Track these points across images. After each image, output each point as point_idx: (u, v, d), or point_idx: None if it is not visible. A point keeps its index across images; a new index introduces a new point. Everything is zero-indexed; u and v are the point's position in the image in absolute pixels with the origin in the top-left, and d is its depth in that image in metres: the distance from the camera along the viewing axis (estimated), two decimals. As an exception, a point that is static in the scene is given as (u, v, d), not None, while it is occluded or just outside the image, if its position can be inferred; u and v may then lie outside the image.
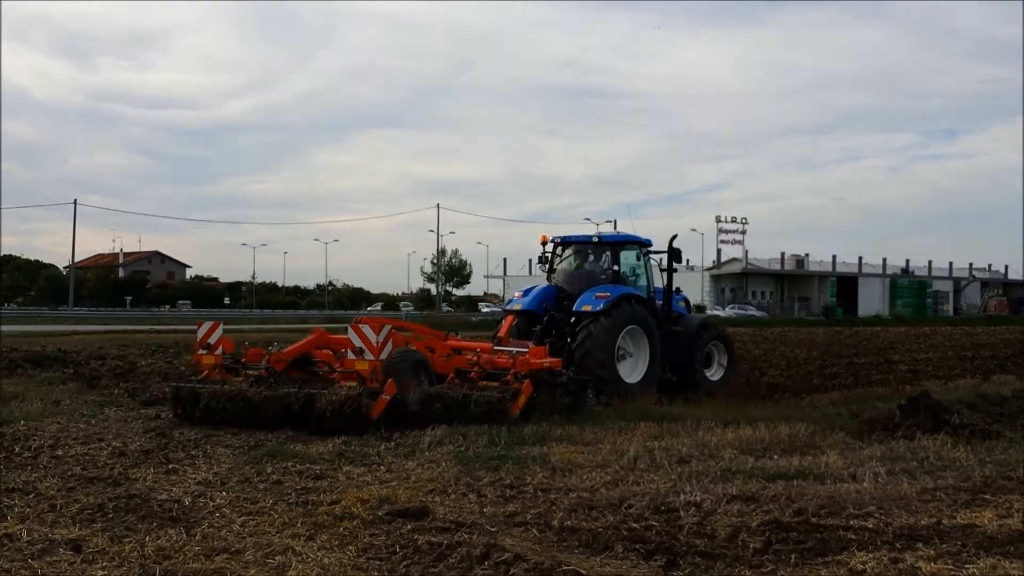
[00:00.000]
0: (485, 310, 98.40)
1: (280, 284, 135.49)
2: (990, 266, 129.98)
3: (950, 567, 6.29)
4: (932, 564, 6.34)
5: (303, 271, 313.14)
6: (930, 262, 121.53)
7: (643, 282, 19.15)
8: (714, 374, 19.65)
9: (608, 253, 18.96)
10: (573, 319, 17.68)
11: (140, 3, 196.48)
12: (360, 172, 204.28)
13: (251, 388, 13.40)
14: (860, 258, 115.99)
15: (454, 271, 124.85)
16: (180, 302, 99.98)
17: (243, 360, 14.67)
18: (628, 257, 19.27)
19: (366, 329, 13.32)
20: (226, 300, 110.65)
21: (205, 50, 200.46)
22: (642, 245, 19.42)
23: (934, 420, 12.42)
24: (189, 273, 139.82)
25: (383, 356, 13.26)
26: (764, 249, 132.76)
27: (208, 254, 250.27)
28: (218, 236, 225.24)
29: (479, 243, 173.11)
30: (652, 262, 19.44)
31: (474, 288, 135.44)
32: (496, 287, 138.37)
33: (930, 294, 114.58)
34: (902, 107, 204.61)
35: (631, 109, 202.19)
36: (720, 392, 18.30)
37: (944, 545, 6.78)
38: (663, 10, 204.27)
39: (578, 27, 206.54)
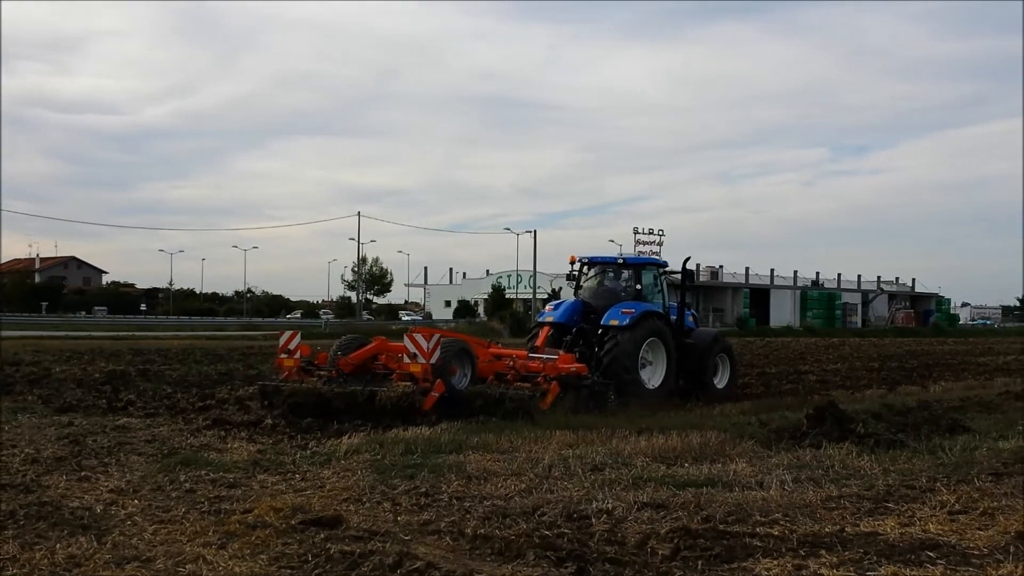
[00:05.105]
0: (406, 318, 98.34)
1: (198, 291, 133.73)
2: (897, 279, 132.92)
3: (852, 574, 6.44)
4: (835, 571, 6.48)
5: (221, 278, 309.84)
6: (839, 275, 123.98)
7: (659, 299, 20.98)
8: (719, 382, 21.44)
9: (631, 273, 20.97)
10: (601, 331, 19.55)
11: (61, 7, 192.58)
12: (282, 179, 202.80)
13: (324, 386, 15.42)
14: (772, 270, 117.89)
15: (375, 279, 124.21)
16: (96, 308, 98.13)
17: (316, 363, 16.75)
18: (647, 276, 21.06)
19: (419, 337, 15.13)
20: (142, 307, 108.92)
21: (127, 55, 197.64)
22: (659, 266, 21.87)
23: (840, 429, 12.64)
24: (105, 279, 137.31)
25: (433, 360, 14.89)
26: (681, 261, 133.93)
27: (126, 260, 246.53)
28: (136, 242, 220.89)
29: (400, 252, 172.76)
30: (667, 281, 21.61)
31: (395, 296, 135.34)
32: (417, 296, 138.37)
33: (839, 306, 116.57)
34: (816, 123, 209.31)
35: (555, 120, 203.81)
36: (726, 398, 20.23)
37: (847, 552, 6.93)
38: (588, 23, 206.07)
39: (504, 38, 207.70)
